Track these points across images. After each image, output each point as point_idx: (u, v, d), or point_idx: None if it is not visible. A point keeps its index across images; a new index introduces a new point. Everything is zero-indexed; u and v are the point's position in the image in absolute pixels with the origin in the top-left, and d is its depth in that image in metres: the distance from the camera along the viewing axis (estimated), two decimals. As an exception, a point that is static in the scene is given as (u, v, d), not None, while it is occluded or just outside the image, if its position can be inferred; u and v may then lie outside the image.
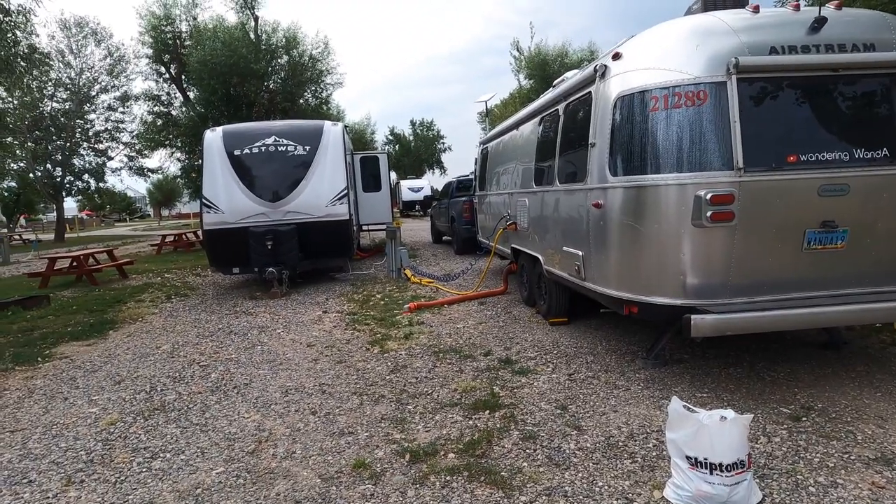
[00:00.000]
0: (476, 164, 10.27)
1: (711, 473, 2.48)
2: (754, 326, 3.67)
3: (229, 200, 8.96)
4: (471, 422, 3.61)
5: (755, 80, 3.68)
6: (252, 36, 18.82)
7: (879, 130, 3.80)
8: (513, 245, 7.19)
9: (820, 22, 3.69)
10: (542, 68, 25.58)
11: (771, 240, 3.70)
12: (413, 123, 51.36)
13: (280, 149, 9.34)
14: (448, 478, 2.93)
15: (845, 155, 3.69)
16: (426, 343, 5.49)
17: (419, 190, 32.78)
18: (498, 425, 3.53)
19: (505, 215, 7.43)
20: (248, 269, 9.04)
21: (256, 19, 19.31)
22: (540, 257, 5.98)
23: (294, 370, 4.94)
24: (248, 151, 9.26)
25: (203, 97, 17.49)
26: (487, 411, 3.75)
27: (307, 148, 9.35)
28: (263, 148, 9.30)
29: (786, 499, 2.58)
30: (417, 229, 21.46)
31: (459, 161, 62.08)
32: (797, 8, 3.93)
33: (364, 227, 13.46)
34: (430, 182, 36.12)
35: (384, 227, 11.42)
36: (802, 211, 3.67)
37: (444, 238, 15.26)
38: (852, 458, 2.90)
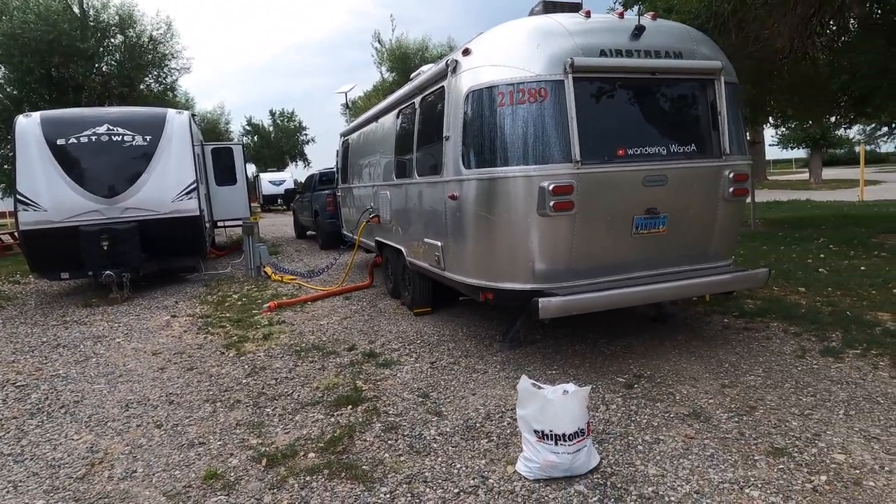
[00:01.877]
0: (338, 155, 10.07)
1: (556, 444, 2.68)
2: (595, 305, 4.02)
3: (53, 197, 7.85)
4: (332, 419, 3.55)
5: (588, 80, 4.01)
6: (76, 10, 16.63)
7: (689, 128, 4.36)
8: (377, 238, 7.17)
9: (640, 30, 4.12)
10: (403, 61, 25.83)
11: (606, 226, 4.08)
12: (273, 114, 48.94)
13: (115, 139, 8.37)
14: (307, 478, 2.85)
15: (663, 149, 4.17)
16: (287, 342, 5.29)
17: (281, 183, 31.31)
18: (360, 419, 3.50)
19: (368, 208, 7.38)
20: (81, 273, 8.01)
21: (81, -8, 17.10)
22: (403, 249, 6.03)
23: (136, 382, 4.49)
24: (76, 141, 8.18)
25: (15, 77, 15.14)
26: (350, 406, 3.70)
27: (148, 138, 8.49)
28: (94, 137, 8.28)
29: (619, 458, 2.87)
30: (280, 224, 20.56)
31: (324, 153, 60.71)
32: (622, 16, 4.35)
33: (219, 224, 12.58)
34: (293, 175, 34.79)
35: (241, 222, 10.78)
36: (631, 199, 4.09)
37: (308, 233, 14.80)
38: (671, 416, 3.31)
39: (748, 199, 6.92)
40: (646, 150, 4.12)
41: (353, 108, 29.00)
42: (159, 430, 3.56)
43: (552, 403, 2.68)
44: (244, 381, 4.34)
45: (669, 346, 4.54)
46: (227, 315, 6.53)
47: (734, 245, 4.85)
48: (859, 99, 9.45)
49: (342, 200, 9.79)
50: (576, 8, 4.54)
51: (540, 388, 2.77)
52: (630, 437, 3.08)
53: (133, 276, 8.00)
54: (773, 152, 51.46)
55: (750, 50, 8.47)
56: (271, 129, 48.88)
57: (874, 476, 2.59)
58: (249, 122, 48.42)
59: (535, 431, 2.72)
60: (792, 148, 35.79)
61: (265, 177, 33.13)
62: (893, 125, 12.04)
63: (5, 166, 16.27)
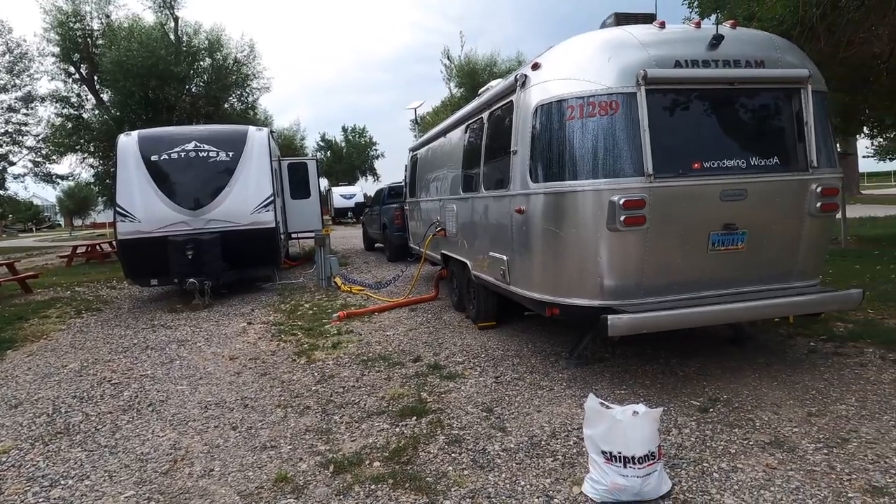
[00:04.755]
0: (406, 170, 10.28)
1: (625, 466, 2.59)
2: (666, 324, 3.87)
3: (146, 208, 8.51)
4: (397, 429, 3.59)
5: (662, 91, 3.90)
6: (172, 37, 18.04)
7: (771, 140, 4.13)
8: (443, 251, 7.24)
9: (718, 39, 3.97)
10: (471, 77, 26.07)
11: (679, 242, 3.93)
12: (345, 129, 50.79)
13: (201, 155, 8.97)
14: (372, 486, 2.90)
15: (742, 162, 3.98)
16: (355, 352, 5.42)
17: (351, 197, 32.37)
18: (424, 431, 3.53)
19: (435, 221, 7.47)
20: (168, 280, 8.59)
21: (176, 20, 18.54)
22: (468, 263, 6.06)
23: (215, 384, 4.73)
24: (167, 157, 8.84)
25: (118, 100, 16.57)
26: (414, 417, 3.74)
27: (230, 154, 9.04)
28: (183, 154, 8.91)
29: (693, 485, 2.73)
30: (349, 237, 21.18)
31: (393, 167, 62.04)
32: (698, 25, 4.21)
33: (293, 235, 13.14)
34: (363, 189, 35.81)
35: (314, 234, 11.20)
36: (707, 214, 3.92)
37: (377, 245, 15.14)
38: (750, 443, 3.11)
39: (838, 215, 6.47)
40: (723, 164, 3.94)
41: (421, 124, 29.56)
42: (234, 432, 3.73)
43: (621, 424, 2.60)
44: (314, 387, 4.49)
45: (748, 369, 4.28)
46: (299, 323, 6.78)
47: (821, 263, 4.53)
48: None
49: (410, 214, 9.97)
50: (649, 19, 4.44)
51: (609, 407, 2.70)
52: (705, 464, 2.92)
53: (214, 284, 8.49)
54: (867, 164, 47.77)
55: (842, 56, 7.93)
56: (343, 144, 50.67)
57: None
58: (323, 138, 50.51)
59: (603, 452, 2.64)
60: (890, 159, 33.07)
61: (336, 190, 34.33)
62: None
63: (107, 181, 17.78)
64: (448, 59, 29.36)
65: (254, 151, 9.15)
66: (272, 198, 9.03)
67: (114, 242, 13.16)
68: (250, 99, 20.25)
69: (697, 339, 5.04)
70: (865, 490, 2.60)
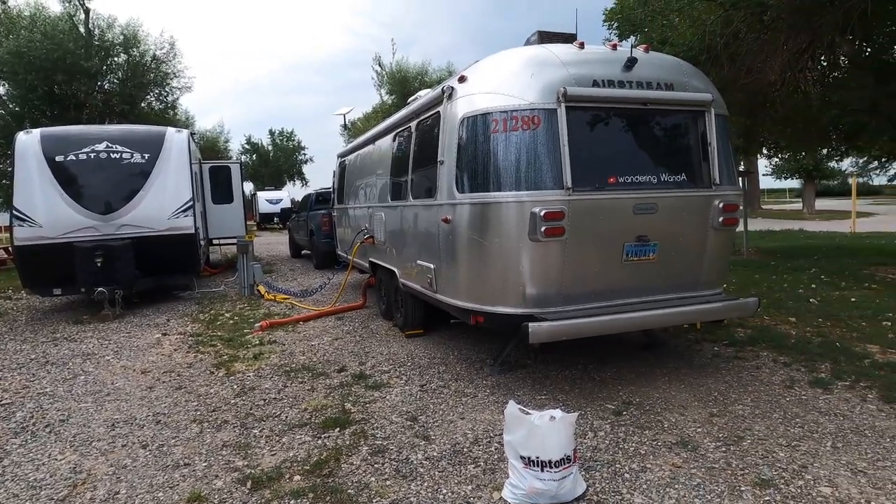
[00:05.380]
0: (335, 176, 10.14)
1: (543, 471, 2.67)
2: (585, 331, 4.03)
3: (49, 212, 7.87)
4: (320, 441, 3.52)
5: (581, 109, 4.09)
6: (82, 29, 16.87)
7: (679, 158, 4.43)
8: (371, 259, 7.19)
9: (632, 62, 4.21)
10: (402, 84, 26.14)
11: (596, 252, 4.11)
12: (272, 133, 49.32)
13: (114, 156, 8.43)
14: (292, 501, 2.82)
15: (654, 178, 4.24)
16: (277, 363, 5.26)
17: (278, 202, 31.40)
18: (347, 442, 3.48)
19: (363, 229, 7.41)
20: (74, 289, 7.98)
21: (87, 11, 17.35)
22: (396, 271, 6.05)
23: (124, 400, 4.45)
24: (74, 158, 8.24)
25: (18, 94, 15.27)
26: (338, 429, 3.68)
27: (146, 156, 8.55)
28: (93, 154, 8.33)
29: (605, 486, 2.86)
30: (275, 243, 20.57)
31: (321, 172, 60.66)
32: (615, 47, 4.46)
33: (214, 242, 12.60)
34: (290, 194, 34.89)
35: (236, 241, 10.79)
36: (621, 226, 4.14)
37: (304, 252, 14.81)
38: (659, 444, 3.30)
39: (739, 229, 7.02)
40: (636, 179, 4.18)
41: (351, 130, 29.28)
42: (145, 451, 3.52)
43: (539, 429, 2.68)
44: (233, 401, 4.32)
45: (659, 373, 4.54)
46: (219, 334, 6.51)
47: (724, 274, 4.89)
48: (850, 134, 9.60)
49: (338, 220, 9.84)
50: (570, 39, 4.64)
51: (527, 413, 2.77)
52: (617, 465, 3.06)
53: (126, 294, 7.98)
54: (767, 182, 52.05)
55: (743, 82, 8.64)
56: (270, 148, 49.22)
57: (860, 509, 2.58)
58: (249, 141, 48.78)
59: (522, 457, 2.71)
60: (786, 178, 36.23)
61: (262, 195, 33.23)
62: (884, 159, 12.21)
63: (3, 181, 16.31)
64: (380, 65, 29.30)
65: (172, 154, 8.71)
66: (191, 202, 8.62)
67: (10, 248, 12.07)
68: (170, 98, 19.28)
69: (614, 346, 5.29)
70: (755, 483, 2.83)
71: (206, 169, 11.87)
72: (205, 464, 3.30)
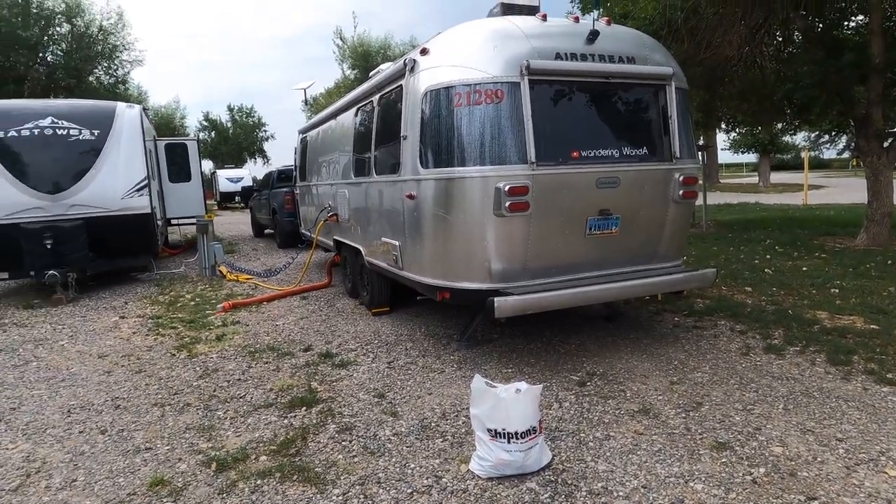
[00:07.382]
0: (296, 153, 9.91)
1: (509, 442, 2.71)
2: (549, 305, 4.08)
3: (-10, 193, 7.46)
4: (286, 421, 3.49)
5: (544, 82, 4.07)
6: (20, -4, 15.83)
7: (641, 132, 4.47)
8: (335, 237, 7.09)
9: (594, 34, 4.20)
10: (365, 59, 25.65)
11: (560, 227, 4.14)
12: (231, 109, 47.64)
13: (60, 132, 8.01)
14: (258, 482, 2.80)
15: (616, 152, 4.27)
16: (241, 344, 5.17)
17: (238, 180, 30.53)
18: (314, 421, 3.46)
19: (326, 206, 7.29)
20: (22, 273, 7.64)
21: (25, -23, 16.28)
22: (361, 248, 5.98)
23: (80, 386, 4.31)
24: (16, 134, 7.79)
25: (-49, 66, 14.31)
26: (304, 408, 3.65)
27: (96, 132, 8.16)
28: (37, 131, 7.90)
29: (570, 455, 2.92)
30: (237, 222, 20.07)
31: (283, 149, 59.50)
32: (577, 20, 4.44)
33: (172, 222, 12.21)
34: (252, 172, 34.00)
35: (195, 220, 10.48)
36: (584, 201, 4.17)
37: (266, 231, 14.51)
38: (622, 412, 3.39)
39: (698, 202, 7.20)
40: (599, 153, 4.20)
41: (313, 105, 28.60)
42: (103, 437, 3.43)
43: (504, 402, 2.71)
44: (195, 383, 4.23)
45: (622, 344, 4.64)
46: (180, 316, 6.34)
47: (683, 246, 5.01)
48: (802, 107, 9.88)
49: (301, 198, 9.65)
50: (533, 11, 4.59)
51: (493, 386, 2.80)
52: (582, 435, 3.14)
53: (79, 276, 7.68)
54: (725, 156, 53.43)
55: (702, 57, 8.76)
56: (229, 124, 47.64)
57: (808, 467, 2.72)
58: (206, 118, 47.01)
59: (488, 430, 2.74)
60: (743, 152, 37.18)
61: (222, 174, 32.24)
62: (834, 133, 12.64)
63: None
64: (341, 38, 28.58)
65: (124, 130, 8.33)
66: (146, 181, 8.31)
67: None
68: (120, 72, 18.42)
69: (577, 318, 5.38)
70: (713, 447, 2.94)
71: (162, 146, 11.42)
72: (167, 447, 3.24)
